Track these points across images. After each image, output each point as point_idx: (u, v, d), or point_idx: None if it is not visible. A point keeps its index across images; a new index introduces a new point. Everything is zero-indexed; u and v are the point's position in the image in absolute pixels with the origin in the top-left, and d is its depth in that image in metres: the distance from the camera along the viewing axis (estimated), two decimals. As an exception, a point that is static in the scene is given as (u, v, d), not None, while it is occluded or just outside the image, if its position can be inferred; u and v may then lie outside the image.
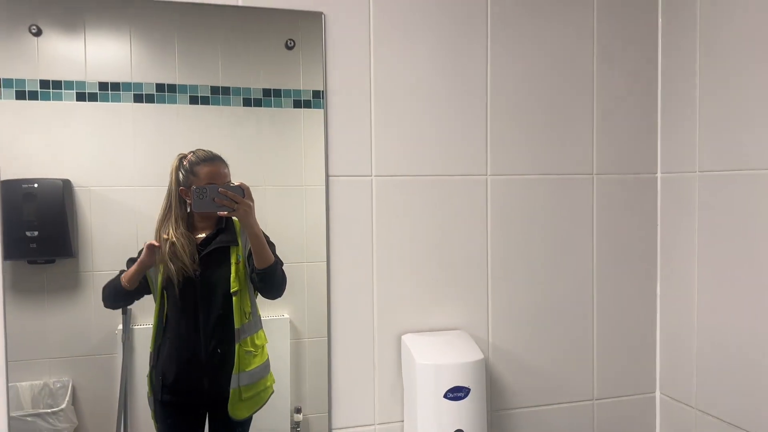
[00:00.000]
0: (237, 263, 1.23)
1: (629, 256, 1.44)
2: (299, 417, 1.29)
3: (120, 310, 1.20)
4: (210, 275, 1.22)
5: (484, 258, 1.34)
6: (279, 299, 1.25)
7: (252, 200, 1.20)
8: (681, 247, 1.39)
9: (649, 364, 1.47)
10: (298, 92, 1.26)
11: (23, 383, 1.15)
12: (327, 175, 1.26)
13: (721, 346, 1.29)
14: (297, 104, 1.26)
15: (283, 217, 1.26)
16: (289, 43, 1.24)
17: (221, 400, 1.22)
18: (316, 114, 1.27)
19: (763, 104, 1.18)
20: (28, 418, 1.17)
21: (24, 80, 1.12)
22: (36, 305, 1.14)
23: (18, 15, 1.12)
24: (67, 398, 1.18)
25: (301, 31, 1.25)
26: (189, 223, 1.22)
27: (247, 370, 1.22)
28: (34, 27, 1.13)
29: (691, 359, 1.37)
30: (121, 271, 1.19)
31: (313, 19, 1.25)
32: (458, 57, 1.32)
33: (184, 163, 1.20)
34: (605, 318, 1.43)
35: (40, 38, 1.13)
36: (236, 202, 1.19)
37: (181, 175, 1.20)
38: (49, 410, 1.17)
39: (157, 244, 1.19)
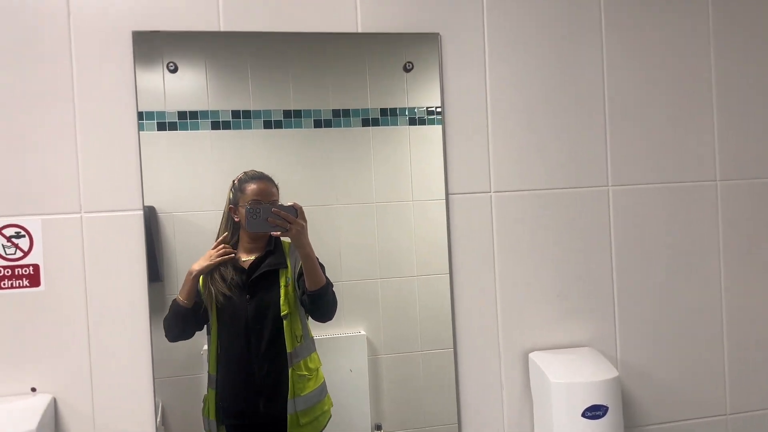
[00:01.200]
0: (286, 286, 1.22)
1: (759, 263, 1.38)
2: None
3: (205, 330, 1.21)
4: (260, 299, 1.21)
5: (608, 271, 1.31)
6: (354, 317, 1.25)
7: (305, 220, 1.19)
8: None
9: (785, 376, 1.40)
10: (412, 110, 1.27)
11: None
12: (447, 193, 1.26)
13: None
14: (412, 122, 1.27)
15: (354, 235, 1.27)
16: (407, 65, 1.25)
17: (280, 426, 1.20)
18: (418, 130, 1.28)
19: None
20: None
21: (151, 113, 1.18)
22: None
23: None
24: (158, 419, 1.19)
25: (418, 53, 1.25)
26: (238, 244, 1.22)
27: (302, 394, 1.21)
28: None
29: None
30: (174, 301, 1.19)
31: (429, 40, 1.25)
32: (573, 67, 1.30)
33: (235, 182, 1.21)
34: (736, 328, 1.37)
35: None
36: (289, 222, 1.18)
37: (231, 194, 1.21)
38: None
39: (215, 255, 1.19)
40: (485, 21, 1.26)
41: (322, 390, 1.23)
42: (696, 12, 1.35)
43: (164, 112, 1.21)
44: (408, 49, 1.25)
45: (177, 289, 1.19)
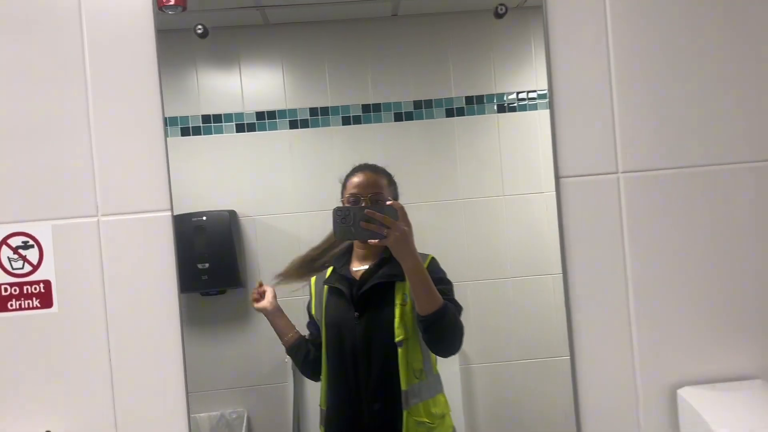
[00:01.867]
0: (403, 305, 1.00)
1: None
2: None
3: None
4: (370, 318, 1.00)
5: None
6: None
7: (408, 225, 0.97)
8: None
9: None
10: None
11: (201, 414, 1.13)
12: (557, 177, 0.98)
13: None
14: (501, 109, 1.16)
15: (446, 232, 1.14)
16: (500, 9, 1.07)
17: None
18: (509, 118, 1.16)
19: None
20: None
21: (187, 117, 1.12)
22: (209, 336, 1.13)
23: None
24: (243, 428, 1.16)
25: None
26: (353, 253, 1.07)
27: None
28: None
29: None
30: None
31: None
32: (731, 15, 0.96)
33: (344, 176, 1.08)
34: None
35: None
36: (387, 227, 0.95)
37: (341, 189, 1.08)
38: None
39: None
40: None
41: None
42: None
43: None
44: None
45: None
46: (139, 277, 0.94)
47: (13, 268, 0.92)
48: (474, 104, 1.18)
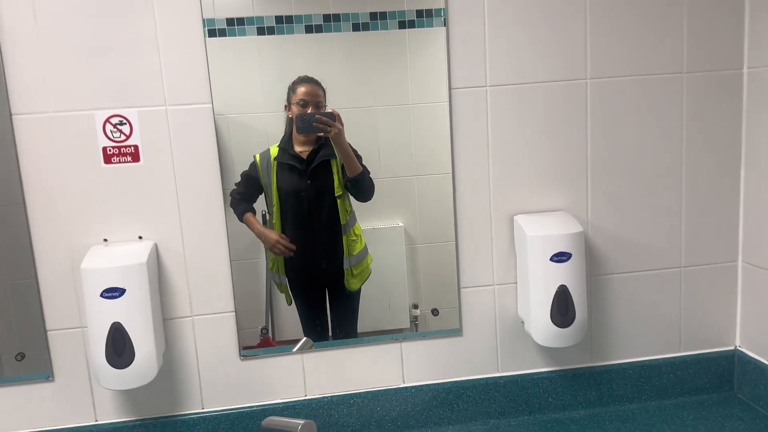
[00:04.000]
0: (338, 173, 1.55)
1: (716, 143, 1.64)
2: (416, 312, 1.61)
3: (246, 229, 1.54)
4: (319, 183, 1.55)
5: (584, 150, 1.60)
6: (394, 210, 1.57)
7: (342, 124, 1.48)
8: (762, 133, 1.58)
9: (732, 236, 1.69)
10: (403, 13, 1.48)
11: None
12: (450, 88, 1.55)
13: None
14: (402, 25, 1.48)
15: (393, 135, 1.53)
16: None
17: (338, 278, 1.58)
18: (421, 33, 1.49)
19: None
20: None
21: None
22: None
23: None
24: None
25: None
26: (292, 137, 1.52)
27: (354, 253, 1.58)
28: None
29: (764, 228, 1.59)
30: (237, 189, 1.51)
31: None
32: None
33: (290, 84, 1.48)
34: (693, 195, 1.65)
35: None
36: (330, 126, 1.49)
37: (286, 95, 1.49)
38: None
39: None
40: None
41: (366, 249, 1.59)
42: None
43: (213, 19, 1.41)
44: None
45: (233, 183, 1.50)
46: (193, 147, 1.49)
47: (114, 137, 1.47)
48: (424, 17, 1.47)
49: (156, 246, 1.50)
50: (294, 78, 1.48)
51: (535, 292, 1.52)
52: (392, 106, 1.52)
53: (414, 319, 1.61)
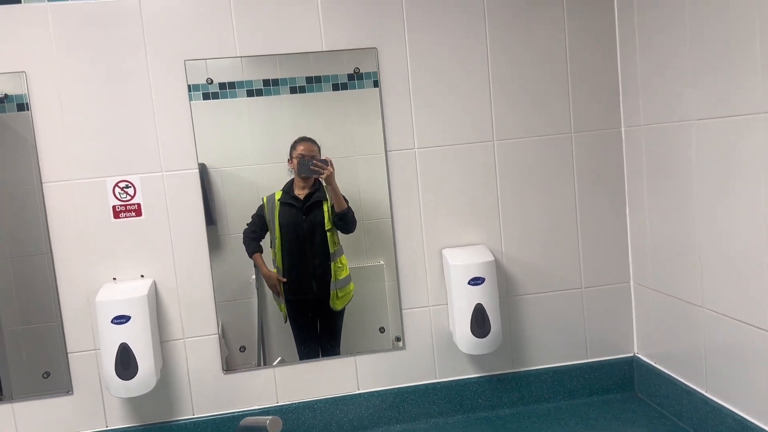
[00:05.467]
0: (327, 211, 1.93)
1: (604, 188, 2.05)
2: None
3: (252, 263, 1.89)
4: (312, 218, 1.92)
5: (495, 196, 2.01)
6: (374, 250, 1.95)
7: (333, 168, 1.87)
8: (640, 179, 1.99)
9: (623, 261, 2.08)
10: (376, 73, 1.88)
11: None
12: (386, 150, 1.96)
13: (664, 242, 1.89)
14: (376, 84, 1.87)
15: (371, 181, 1.91)
16: (356, 70, 1.94)
17: (325, 299, 1.94)
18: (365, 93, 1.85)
19: (679, 66, 1.75)
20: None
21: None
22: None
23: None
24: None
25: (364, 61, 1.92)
26: (293, 183, 1.90)
27: (339, 278, 1.95)
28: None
29: (648, 255, 1.98)
30: (249, 228, 1.88)
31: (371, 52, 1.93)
32: (467, 53, 1.94)
33: (292, 142, 1.88)
34: (588, 229, 2.04)
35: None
36: (323, 169, 1.88)
37: (290, 150, 1.86)
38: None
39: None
40: (406, 36, 1.94)
41: (349, 278, 1.94)
42: (552, 16, 1.99)
43: (207, 84, 1.72)
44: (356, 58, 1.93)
45: (228, 230, 1.82)
46: (183, 203, 1.89)
47: (121, 198, 1.88)
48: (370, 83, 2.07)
49: (155, 282, 1.89)
50: (282, 134, 1.83)
51: (458, 310, 1.90)
52: (370, 155, 1.86)
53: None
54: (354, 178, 1.89)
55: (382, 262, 1.94)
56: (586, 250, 2.06)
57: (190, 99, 1.84)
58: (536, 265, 2.04)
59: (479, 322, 1.87)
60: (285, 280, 1.92)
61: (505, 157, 2.00)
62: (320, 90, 1.83)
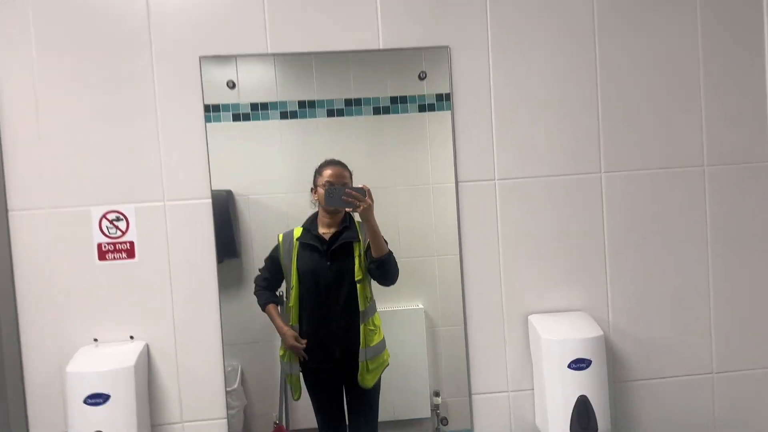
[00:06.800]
0: (360, 256, 1.47)
1: (747, 239, 1.54)
2: (438, 400, 1.52)
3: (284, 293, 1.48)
4: (338, 266, 1.47)
5: (601, 246, 1.51)
6: (414, 291, 1.50)
7: (372, 200, 1.43)
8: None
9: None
10: (423, 97, 1.48)
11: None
12: (457, 181, 1.49)
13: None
14: (422, 108, 1.48)
15: (413, 215, 1.49)
16: (421, 74, 1.48)
17: (352, 371, 1.46)
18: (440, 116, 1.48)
19: None
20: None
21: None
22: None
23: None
24: (237, 380, 1.47)
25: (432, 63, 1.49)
26: (317, 219, 1.47)
27: (371, 345, 1.47)
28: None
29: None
30: (261, 274, 1.47)
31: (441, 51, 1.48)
32: (568, 66, 1.50)
33: (316, 167, 1.47)
34: (724, 294, 1.55)
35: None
36: (359, 201, 1.42)
37: (313, 178, 1.46)
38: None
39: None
40: (489, 32, 1.48)
41: (384, 342, 1.49)
42: (683, 13, 1.52)
43: (238, 104, 1.43)
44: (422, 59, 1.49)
45: (252, 264, 1.46)
46: (190, 243, 1.44)
47: (110, 234, 1.43)
48: (444, 101, 1.47)
49: (147, 347, 1.44)
50: (316, 160, 1.47)
51: (553, 401, 1.40)
52: (412, 186, 1.49)
53: (435, 408, 1.52)
54: (393, 210, 1.49)
55: (421, 306, 1.50)
56: (721, 322, 1.54)
57: (208, 115, 1.44)
58: (654, 342, 1.54)
59: (583, 420, 1.37)
60: (305, 343, 1.44)
61: (615, 195, 1.52)
62: (360, 113, 1.48)
